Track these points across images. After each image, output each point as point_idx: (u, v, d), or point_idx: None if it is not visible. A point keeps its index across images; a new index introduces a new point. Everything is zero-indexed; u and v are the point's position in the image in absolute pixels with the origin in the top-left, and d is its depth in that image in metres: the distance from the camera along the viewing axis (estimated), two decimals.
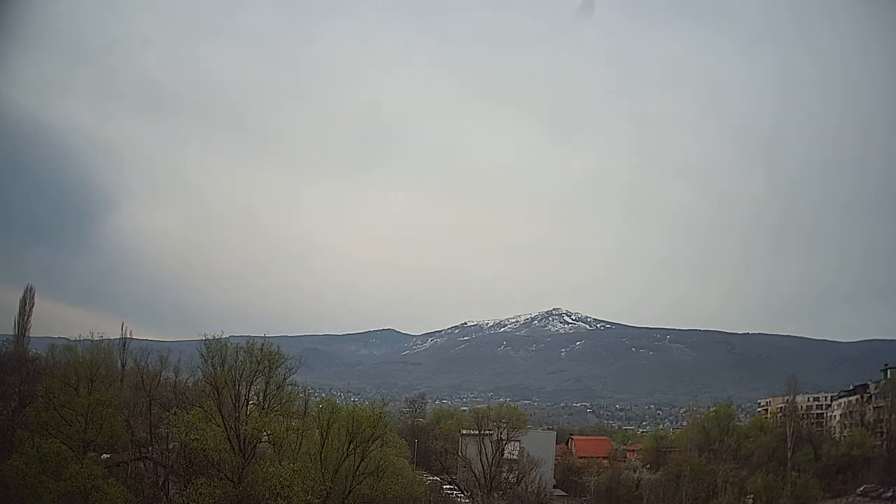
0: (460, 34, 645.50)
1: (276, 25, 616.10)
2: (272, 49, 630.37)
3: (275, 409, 46.33)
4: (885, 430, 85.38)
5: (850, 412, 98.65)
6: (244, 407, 45.31)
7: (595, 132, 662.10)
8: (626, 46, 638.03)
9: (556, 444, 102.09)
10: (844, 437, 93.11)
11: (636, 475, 79.45)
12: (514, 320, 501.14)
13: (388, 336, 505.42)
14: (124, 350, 68.12)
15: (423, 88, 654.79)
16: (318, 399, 63.71)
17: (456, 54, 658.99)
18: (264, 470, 40.82)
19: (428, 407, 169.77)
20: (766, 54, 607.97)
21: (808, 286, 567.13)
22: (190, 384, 59.58)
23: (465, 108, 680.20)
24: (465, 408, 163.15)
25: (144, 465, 47.35)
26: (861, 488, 74.46)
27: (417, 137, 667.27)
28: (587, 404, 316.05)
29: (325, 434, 44.30)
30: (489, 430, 72.32)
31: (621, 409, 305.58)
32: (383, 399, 58.18)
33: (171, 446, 46.55)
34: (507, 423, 73.33)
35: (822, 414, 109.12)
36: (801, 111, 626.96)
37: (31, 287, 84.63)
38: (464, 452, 72.32)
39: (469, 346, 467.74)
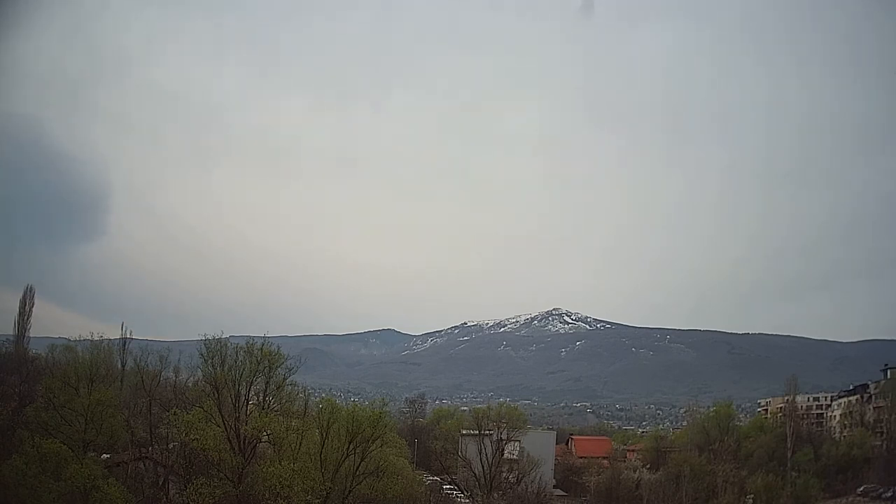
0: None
1: None
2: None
3: (275, 409, 46.28)
4: (885, 430, 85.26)
5: (850, 412, 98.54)
6: (244, 407, 45.22)
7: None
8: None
9: (556, 444, 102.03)
10: (844, 437, 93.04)
11: (636, 475, 79.32)
12: (514, 320, 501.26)
13: (388, 336, 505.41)
14: (124, 350, 68.06)
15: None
16: (318, 399, 63.60)
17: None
18: (264, 470, 40.76)
19: (428, 407, 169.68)
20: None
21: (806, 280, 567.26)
22: (190, 384, 59.58)
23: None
24: (465, 408, 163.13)
25: (144, 465, 47.29)
26: (861, 488, 74.42)
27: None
28: (587, 404, 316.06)
29: (325, 434, 44.27)
30: (489, 430, 72.30)
31: (621, 409, 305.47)
32: (383, 399, 58.06)
33: (171, 446, 46.53)
34: (507, 423, 73.32)
35: (822, 414, 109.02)
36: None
37: (30, 287, 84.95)
38: (464, 452, 72.30)
39: (469, 346, 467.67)
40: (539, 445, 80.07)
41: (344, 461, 43.85)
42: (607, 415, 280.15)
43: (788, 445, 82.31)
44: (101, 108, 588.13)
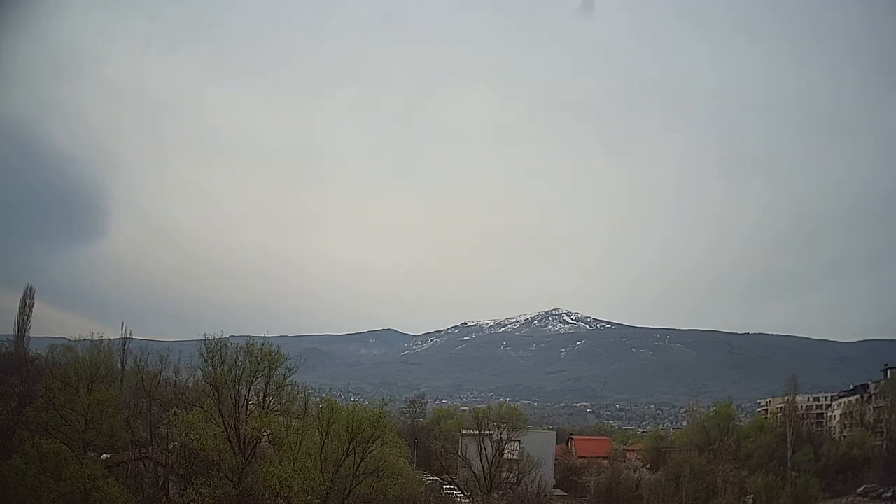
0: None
1: None
2: None
3: (275, 409, 46.27)
4: (885, 430, 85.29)
5: (850, 412, 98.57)
6: (244, 407, 45.23)
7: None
8: None
9: (556, 444, 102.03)
10: (844, 437, 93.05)
11: (636, 475, 79.34)
12: (514, 320, 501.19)
13: (388, 336, 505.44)
14: (124, 350, 68.08)
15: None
16: (318, 399, 63.62)
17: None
18: (264, 470, 40.77)
19: (428, 407, 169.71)
20: None
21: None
22: (190, 384, 59.58)
23: None
24: (465, 408, 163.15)
25: (144, 465, 47.30)
26: (861, 488, 74.43)
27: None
28: (587, 404, 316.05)
29: (325, 434, 44.28)
30: (489, 430, 72.31)
31: (621, 409, 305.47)
32: (383, 399, 58.07)
33: (171, 446, 46.54)
34: (507, 423, 73.32)
35: (822, 414, 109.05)
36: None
37: (30, 287, 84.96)
38: (464, 452, 72.31)
39: (469, 346, 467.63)
40: (539, 445, 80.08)
41: (344, 461, 43.85)
42: (607, 415, 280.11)
43: (788, 445, 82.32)
44: (91, 108, 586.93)
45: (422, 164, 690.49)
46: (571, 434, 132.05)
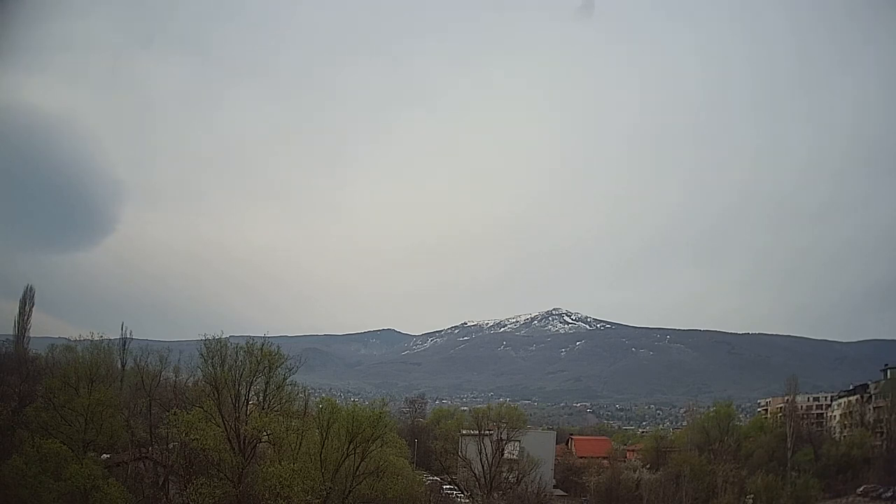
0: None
1: None
2: None
3: (275, 409, 46.32)
4: (885, 430, 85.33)
5: (850, 412, 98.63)
6: (244, 407, 45.32)
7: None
8: None
9: (556, 444, 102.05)
10: (844, 437, 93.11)
11: (636, 475, 79.41)
12: (514, 320, 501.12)
13: (388, 336, 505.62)
14: (124, 350, 68.08)
15: None
16: (318, 399, 63.65)
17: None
18: (264, 470, 40.86)
19: (428, 407, 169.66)
20: None
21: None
22: (190, 384, 59.62)
23: None
24: (465, 408, 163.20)
25: (144, 465, 47.35)
26: (861, 488, 74.46)
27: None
28: (587, 404, 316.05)
29: (325, 434, 44.37)
30: (489, 430, 72.33)
31: (621, 409, 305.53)
32: (383, 399, 58.14)
33: (171, 446, 46.57)
34: (507, 423, 73.33)
35: (822, 414, 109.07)
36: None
37: (30, 287, 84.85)
38: (464, 452, 72.32)
39: (469, 346, 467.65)
40: (539, 445, 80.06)
41: (344, 461, 43.92)
42: (607, 415, 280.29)
43: (788, 445, 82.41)
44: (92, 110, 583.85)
45: (421, 164, 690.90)
46: (571, 434, 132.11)
